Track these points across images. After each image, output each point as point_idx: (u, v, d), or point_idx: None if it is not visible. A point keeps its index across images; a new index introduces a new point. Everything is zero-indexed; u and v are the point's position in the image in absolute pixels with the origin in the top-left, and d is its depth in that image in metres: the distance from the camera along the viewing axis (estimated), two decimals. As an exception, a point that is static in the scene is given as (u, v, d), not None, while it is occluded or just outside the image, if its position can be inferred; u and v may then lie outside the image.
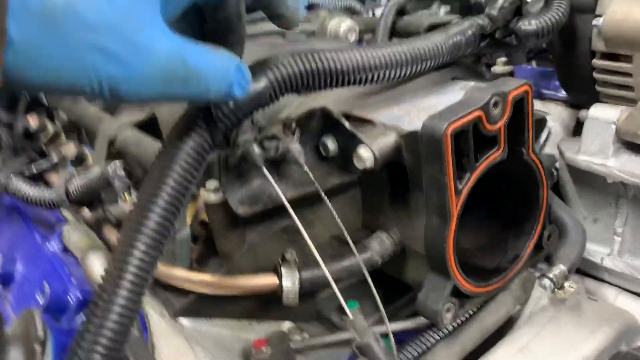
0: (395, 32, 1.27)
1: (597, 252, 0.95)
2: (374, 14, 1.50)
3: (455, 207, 0.69)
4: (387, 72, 0.73)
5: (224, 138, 0.66)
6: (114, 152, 0.84)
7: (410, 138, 0.69)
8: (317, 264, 0.76)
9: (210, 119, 0.63)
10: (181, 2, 0.49)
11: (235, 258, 0.77)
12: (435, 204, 0.69)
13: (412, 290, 0.91)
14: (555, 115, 1.13)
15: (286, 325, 0.85)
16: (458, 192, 0.68)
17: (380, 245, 0.78)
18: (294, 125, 0.73)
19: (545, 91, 1.16)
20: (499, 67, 1.01)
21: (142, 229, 0.58)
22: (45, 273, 0.78)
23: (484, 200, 0.78)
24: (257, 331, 0.82)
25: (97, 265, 0.70)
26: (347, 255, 0.77)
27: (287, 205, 0.66)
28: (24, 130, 1.16)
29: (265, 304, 0.82)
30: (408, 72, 0.76)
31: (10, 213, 0.99)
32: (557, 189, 0.99)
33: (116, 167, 0.71)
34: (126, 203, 0.70)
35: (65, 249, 0.83)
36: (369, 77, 0.72)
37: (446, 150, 0.65)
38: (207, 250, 0.82)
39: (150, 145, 0.79)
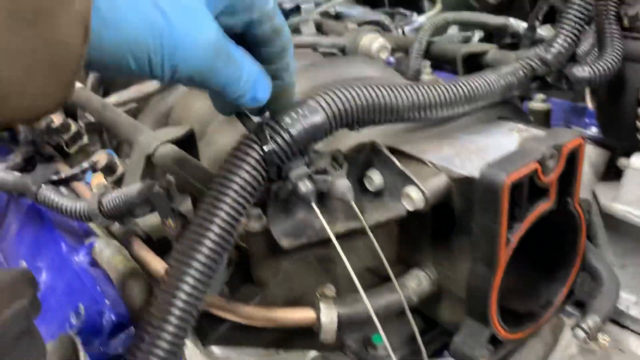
0: (429, 55, 1.26)
1: (623, 299, 0.94)
2: (403, 32, 1.49)
3: (504, 257, 0.68)
4: (444, 111, 0.73)
5: (277, 170, 0.64)
6: (151, 166, 0.82)
7: (463, 183, 0.68)
8: (351, 296, 0.76)
9: (266, 151, 0.62)
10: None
11: (270, 286, 0.76)
12: (484, 252, 0.68)
13: (437, 326, 0.90)
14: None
15: (311, 354, 0.84)
16: (508, 242, 0.68)
17: (418, 284, 0.77)
18: (341, 158, 0.72)
19: (575, 127, 1.16)
20: (537, 103, 1.01)
21: (192, 262, 0.57)
22: (73, 288, 0.76)
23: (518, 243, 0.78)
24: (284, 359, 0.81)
25: (137, 293, 0.68)
26: (385, 292, 0.75)
27: (335, 241, 0.65)
28: (46, 127, 1.14)
29: (294, 334, 0.81)
30: (462, 111, 0.75)
31: (32, 216, 0.97)
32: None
33: (158, 189, 0.69)
34: (169, 228, 0.68)
35: (93, 264, 0.82)
36: (426, 115, 0.71)
37: (502, 201, 0.64)
38: (239, 275, 0.80)
39: (192, 165, 0.77)
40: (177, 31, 0.46)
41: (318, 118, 0.64)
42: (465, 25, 1.41)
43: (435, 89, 0.71)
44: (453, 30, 1.63)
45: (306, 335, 0.82)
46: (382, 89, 0.68)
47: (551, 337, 0.83)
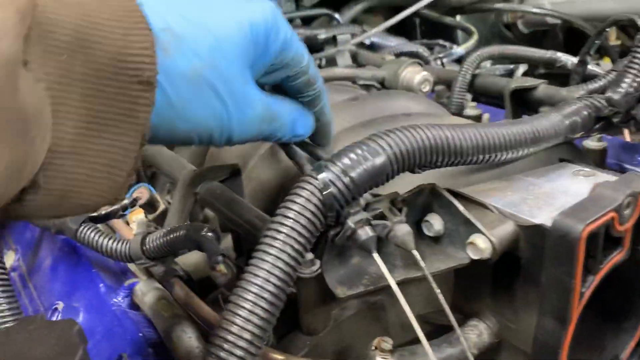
0: (473, 88, 1.22)
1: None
2: (442, 64, 1.46)
3: (576, 311, 0.63)
4: (508, 153, 0.69)
5: (335, 215, 0.61)
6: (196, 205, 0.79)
7: (533, 231, 0.64)
8: (409, 350, 0.71)
9: (326, 195, 0.59)
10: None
11: (320, 335, 0.72)
12: (554, 306, 0.63)
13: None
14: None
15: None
16: (581, 296, 0.63)
17: (478, 336, 0.72)
18: (400, 202, 0.68)
19: (627, 165, 1.11)
20: (593, 142, 0.96)
21: (250, 317, 0.53)
22: (113, 332, 0.73)
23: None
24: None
25: (186, 343, 0.64)
26: (444, 345, 0.71)
27: (397, 290, 0.61)
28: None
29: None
30: (526, 153, 0.71)
31: (67, 252, 0.94)
32: None
33: (208, 232, 0.66)
34: (220, 274, 0.64)
35: (133, 306, 0.78)
36: (490, 158, 0.68)
37: (579, 253, 0.59)
38: (286, 322, 0.76)
39: (239, 205, 0.74)
40: (234, 115, 0.55)
41: (379, 160, 0.61)
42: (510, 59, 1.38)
43: (500, 130, 0.68)
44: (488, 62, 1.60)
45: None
46: (445, 130, 0.64)
47: (618, 395, 0.77)
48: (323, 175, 0.59)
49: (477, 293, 0.75)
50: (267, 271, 0.55)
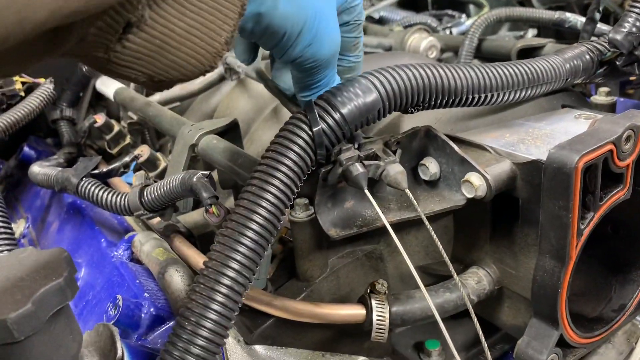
0: (480, 53, 1.21)
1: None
2: (451, 33, 1.44)
3: (575, 249, 0.62)
4: (505, 94, 0.67)
5: (326, 153, 0.60)
6: (194, 157, 0.79)
7: (529, 168, 0.62)
8: (404, 294, 0.70)
9: (316, 132, 0.58)
10: None
11: (316, 282, 0.71)
12: (552, 244, 0.62)
13: (493, 334, 0.84)
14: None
15: (360, 359, 0.79)
16: (579, 233, 0.61)
17: (477, 283, 0.71)
18: (395, 144, 0.67)
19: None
20: (601, 97, 0.94)
21: (237, 247, 0.53)
22: (112, 282, 0.73)
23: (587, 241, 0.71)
24: (330, 364, 0.76)
25: (178, 281, 0.65)
26: (441, 290, 0.70)
27: (389, 227, 0.60)
28: (89, 127, 1.13)
29: (340, 336, 0.76)
30: (524, 95, 0.70)
31: (73, 214, 0.95)
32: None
33: (202, 177, 0.66)
34: (213, 216, 0.64)
35: (133, 259, 0.79)
36: (485, 98, 0.66)
37: (575, 185, 0.58)
38: (283, 271, 0.76)
39: (236, 154, 0.74)
40: (325, 23, 0.55)
41: (371, 97, 0.60)
42: (517, 22, 1.35)
43: (496, 69, 0.66)
44: (503, 32, 1.58)
45: (354, 338, 0.77)
46: (439, 68, 0.63)
47: (625, 345, 0.76)
48: (313, 112, 0.58)
49: (477, 241, 0.73)
50: (256, 204, 0.54)
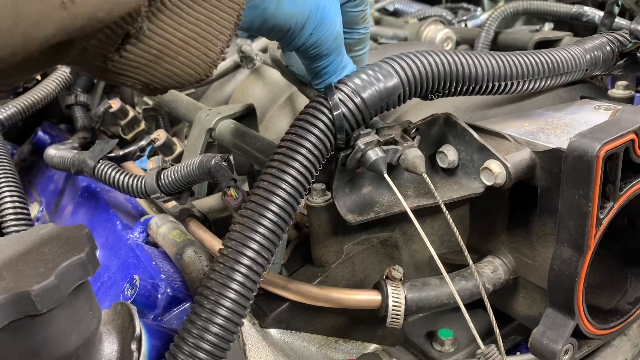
0: (496, 45, 1.20)
1: None
2: (466, 26, 1.43)
3: (594, 239, 0.61)
4: (525, 83, 0.67)
5: (346, 137, 0.60)
6: (210, 143, 0.80)
7: (549, 156, 0.62)
8: (420, 280, 0.70)
9: (336, 115, 0.58)
10: None
11: (332, 267, 0.71)
12: (571, 233, 0.62)
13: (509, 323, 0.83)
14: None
15: (372, 347, 0.79)
16: (599, 222, 0.61)
17: (493, 272, 0.71)
18: (413, 130, 0.67)
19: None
20: (619, 90, 0.93)
21: (257, 228, 0.53)
22: (127, 264, 0.74)
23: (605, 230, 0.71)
24: (342, 351, 0.76)
25: (196, 261, 0.65)
26: (457, 279, 0.70)
27: (409, 210, 0.60)
28: (104, 112, 1.13)
29: (352, 323, 0.76)
30: (544, 84, 0.69)
31: (87, 197, 0.96)
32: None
33: (220, 161, 0.66)
34: (231, 198, 0.64)
35: (148, 242, 0.79)
36: (505, 87, 0.66)
37: (595, 174, 0.57)
38: (298, 257, 0.76)
39: (254, 137, 0.74)
40: (327, 11, 0.56)
41: (392, 82, 0.60)
42: (533, 17, 1.34)
43: (517, 58, 0.66)
44: (518, 26, 1.57)
45: (366, 326, 0.77)
46: (460, 55, 0.63)
47: None
48: (333, 96, 0.58)
49: (493, 230, 0.73)
50: (275, 185, 0.54)
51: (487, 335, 0.81)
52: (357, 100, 0.58)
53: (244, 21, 0.50)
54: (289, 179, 0.55)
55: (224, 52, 0.46)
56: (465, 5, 1.58)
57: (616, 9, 1.05)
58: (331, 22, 0.57)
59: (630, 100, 0.93)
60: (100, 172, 0.80)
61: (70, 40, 0.35)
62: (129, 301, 0.64)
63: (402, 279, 0.67)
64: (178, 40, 0.42)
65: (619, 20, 1.12)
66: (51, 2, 0.31)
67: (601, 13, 1.14)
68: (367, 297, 0.67)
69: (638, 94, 1.14)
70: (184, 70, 0.44)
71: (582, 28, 1.25)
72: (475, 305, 0.75)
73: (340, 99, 0.58)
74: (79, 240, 0.50)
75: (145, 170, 0.98)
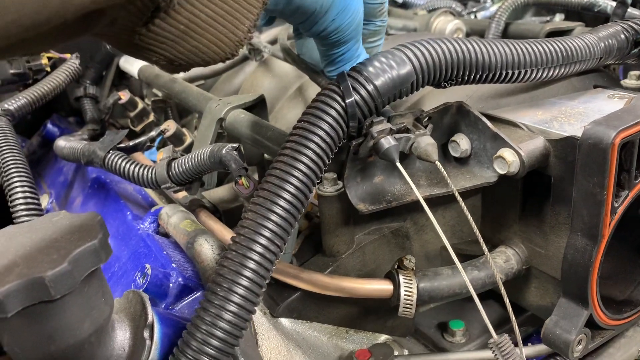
0: (506, 36, 1.19)
1: None
2: (476, 17, 1.42)
3: (608, 228, 0.61)
4: (538, 71, 0.66)
5: (358, 125, 0.60)
6: (219, 134, 0.79)
7: (563, 144, 0.62)
8: (432, 270, 0.70)
9: (349, 103, 0.57)
10: None
11: (343, 257, 0.71)
12: (585, 222, 0.61)
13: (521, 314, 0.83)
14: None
15: (382, 338, 0.79)
16: (613, 211, 0.60)
17: (505, 262, 0.70)
18: (426, 119, 0.66)
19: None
20: (632, 80, 0.92)
21: (270, 216, 0.52)
22: (138, 253, 0.74)
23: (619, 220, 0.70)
24: (353, 341, 0.76)
25: (207, 250, 0.65)
26: (469, 269, 0.69)
27: (421, 198, 0.59)
28: (113, 104, 1.13)
29: (363, 314, 0.76)
30: (557, 73, 0.69)
31: (97, 188, 0.96)
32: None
33: (231, 150, 0.66)
34: (242, 187, 0.64)
35: (158, 232, 0.79)
36: (519, 75, 0.65)
37: (611, 162, 0.57)
38: (309, 247, 0.76)
39: (264, 127, 0.74)
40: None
41: (405, 70, 0.59)
42: (544, 8, 1.33)
43: (530, 46, 0.65)
44: (528, 17, 1.55)
45: (377, 317, 0.77)
46: (473, 43, 0.62)
47: (653, 330, 0.75)
48: (346, 83, 0.58)
49: (505, 220, 0.73)
50: (288, 173, 0.54)
51: (499, 326, 0.81)
52: (370, 87, 0.58)
53: (269, 2, 0.50)
54: (302, 166, 0.54)
55: (251, 32, 0.45)
56: (474, -4, 1.57)
57: (629, -1, 1.04)
58: (354, 9, 0.57)
59: (643, 90, 0.92)
60: (110, 162, 0.80)
61: (101, 10, 0.35)
62: (141, 290, 0.65)
63: (414, 268, 0.67)
64: (206, 17, 0.41)
65: (631, 10, 1.11)
66: None
67: (613, 3, 1.13)
68: (379, 287, 0.66)
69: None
70: (210, 47, 0.43)
71: (592, 19, 1.24)
72: (486, 296, 0.74)
73: (352, 87, 0.58)
74: (92, 227, 0.50)
75: (154, 161, 0.98)
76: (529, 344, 0.81)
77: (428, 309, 0.85)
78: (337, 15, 0.56)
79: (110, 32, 0.40)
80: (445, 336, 0.79)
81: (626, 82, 0.93)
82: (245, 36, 0.45)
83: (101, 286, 0.49)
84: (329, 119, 0.57)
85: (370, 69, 0.58)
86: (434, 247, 0.79)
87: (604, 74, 0.81)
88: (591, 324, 0.67)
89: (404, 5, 1.56)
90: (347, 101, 0.57)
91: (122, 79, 1.36)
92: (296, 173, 0.54)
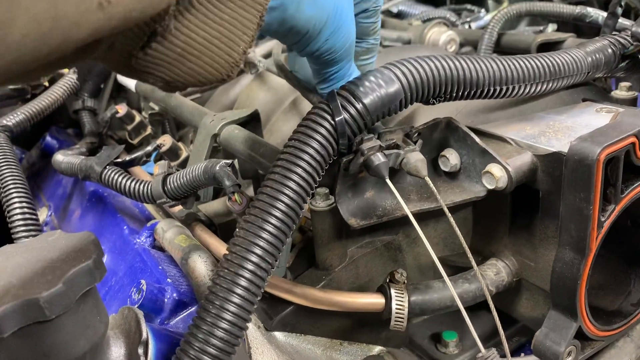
0: (499, 47, 1.20)
1: None
2: (470, 27, 1.44)
3: (595, 241, 0.62)
4: (526, 87, 0.67)
5: (348, 142, 0.61)
6: (215, 148, 0.80)
7: (551, 160, 0.63)
8: (423, 283, 0.71)
9: (338, 121, 0.58)
10: None
11: (336, 271, 0.72)
12: (572, 236, 0.62)
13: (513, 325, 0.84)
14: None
15: (377, 349, 0.79)
16: (600, 225, 0.61)
17: (496, 274, 0.71)
18: (416, 134, 0.68)
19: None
20: (622, 92, 0.93)
21: (260, 233, 0.54)
22: (134, 268, 0.75)
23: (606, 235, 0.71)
24: (347, 353, 0.76)
25: (201, 266, 0.66)
26: (460, 281, 0.70)
27: (410, 214, 0.60)
28: (111, 117, 1.15)
29: (357, 326, 0.77)
30: (545, 88, 0.70)
31: (95, 202, 0.97)
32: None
33: (225, 166, 0.67)
34: (235, 203, 0.65)
35: (155, 246, 0.80)
36: (507, 91, 0.66)
37: (596, 177, 0.58)
38: (302, 260, 0.77)
39: (258, 143, 0.75)
40: (344, 17, 0.57)
41: (393, 88, 0.60)
42: (536, 18, 1.34)
43: (518, 62, 0.67)
44: (522, 27, 1.57)
45: (371, 328, 0.78)
46: (461, 60, 0.64)
47: (643, 340, 0.75)
48: (335, 102, 0.59)
49: (496, 233, 0.74)
50: (279, 191, 0.55)
51: (492, 337, 0.82)
52: (359, 106, 0.59)
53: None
54: (292, 184, 0.56)
55: (247, 53, 0.46)
56: (469, 6, 1.59)
57: (619, 10, 1.05)
58: (347, 30, 0.58)
59: (633, 102, 0.93)
60: (107, 177, 0.82)
61: (99, 39, 0.36)
62: (136, 305, 0.66)
63: (406, 282, 0.68)
64: (202, 40, 0.42)
65: (622, 21, 1.12)
66: (89, 3, 0.31)
67: (604, 14, 1.14)
68: (371, 301, 0.67)
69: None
70: (206, 69, 0.44)
71: (586, 28, 1.25)
72: (479, 307, 0.75)
73: (342, 105, 0.59)
74: (86, 247, 0.51)
75: (151, 174, 1.00)
76: (522, 354, 0.82)
77: (422, 320, 0.86)
78: (330, 36, 0.57)
79: (107, 56, 0.41)
80: (439, 347, 0.80)
81: (617, 93, 0.94)
82: (240, 57, 0.46)
83: (96, 305, 0.50)
84: (319, 137, 0.58)
85: (360, 87, 0.60)
86: (426, 260, 0.80)
87: (592, 87, 0.82)
88: (581, 336, 0.68)
89: (399, 15, 1.58)
90: (337, 119, 0.59)
91: (120, 91, 1.38)
92: (287, 191, 0.55)
